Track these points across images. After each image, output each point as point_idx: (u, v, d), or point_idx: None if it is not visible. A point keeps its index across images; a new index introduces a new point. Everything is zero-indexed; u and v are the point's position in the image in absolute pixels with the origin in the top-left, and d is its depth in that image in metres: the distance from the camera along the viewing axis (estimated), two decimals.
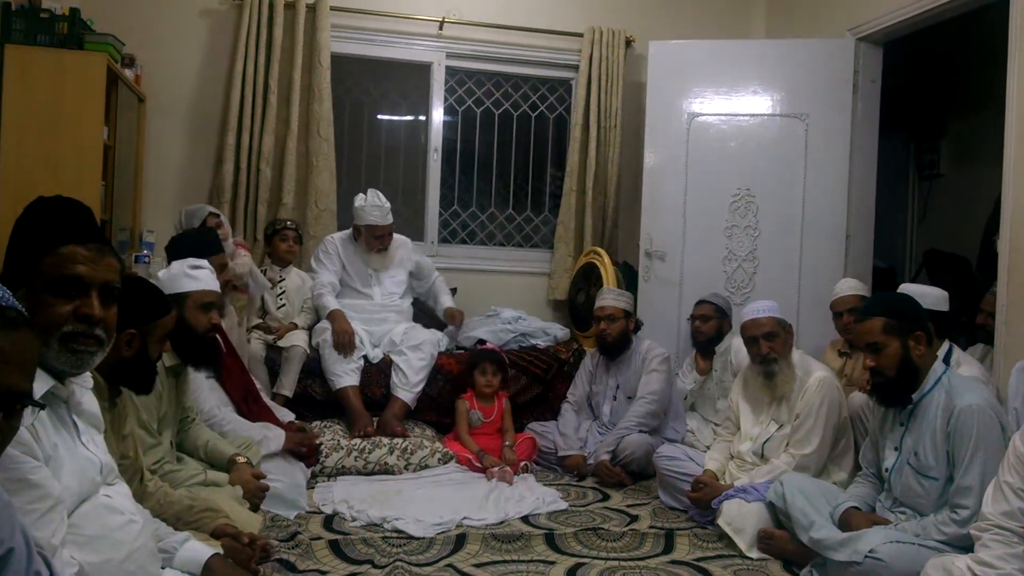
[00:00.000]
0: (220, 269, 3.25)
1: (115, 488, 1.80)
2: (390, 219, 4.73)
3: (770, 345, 3.48)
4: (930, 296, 3.47)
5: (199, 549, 1.98)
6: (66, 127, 4.06)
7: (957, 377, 2.82)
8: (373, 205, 4.67)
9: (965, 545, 2.44)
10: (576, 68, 5.63)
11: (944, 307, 3.51)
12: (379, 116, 5.75)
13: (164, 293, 2.57)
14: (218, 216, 4.35)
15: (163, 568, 1.88)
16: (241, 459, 3.04)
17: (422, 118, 5.70)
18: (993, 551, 2.22)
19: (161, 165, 5.10)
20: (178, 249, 3.43)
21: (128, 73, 4.62)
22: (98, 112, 4.14)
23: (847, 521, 2.84)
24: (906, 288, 3.62)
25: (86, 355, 1.64)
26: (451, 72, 5.64)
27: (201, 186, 5.10)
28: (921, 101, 6.38)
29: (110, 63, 4.20)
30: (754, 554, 3.08)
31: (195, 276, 2.96)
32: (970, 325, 4.49)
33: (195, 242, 3.55)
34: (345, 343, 4.40)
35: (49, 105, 4.04)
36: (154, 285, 2.54)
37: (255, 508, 2.94)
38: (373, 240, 4.73)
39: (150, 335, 2.30)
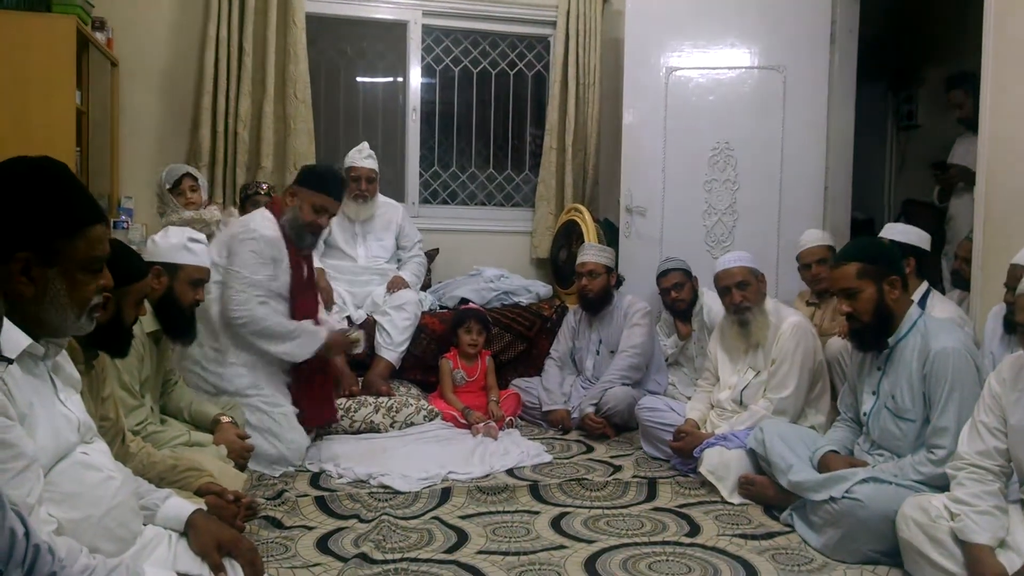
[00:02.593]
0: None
1: (93, 446, 1.79)
2: (369, 164, 4.70)
3: (743, 294, 3.51)
4: (914, 233, 3.57)
5: (181, 505, 1.96)
6: (36, 93, 3.98)
7: (933, 321, 2.85)
8: (355, 148, 4.73)
9: (941, 484, 2.48)
10: (554, 24, 5.58)
11: (927, 246, 3.56)
12: (357, 78, 5.69)
13: (140, 257, 2.57)
14: (195, 179, 4.29)
15: (145, 525, 1.88)
16: (225, 419, 3.06)
17: (399, 79, 5.65)
18: (968, 489, 2.29)
19: (137, 130, 5.03)
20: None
21: (99, 36, 4.54)
22: (69, 77, 4.06)
23: (826, 465, 2.87)
24: (890, 228, 3.67)
25: (95, 320, 1.74)
26: (427, 31, 5.57)
27: (178, 150, 5.02)
28: (898, 51, 6.36)
29: (80, 26, 4.12)
30: (735, 500, 3.13)
31: (193, 250, 2.99)
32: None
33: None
34: None
35: (17, 70, 3.96)
36: (130, 248, 2.53)
37: (241, 468, 2.96)
38: (351, 182, 4.71)
39: (124, 299, 2.31)
